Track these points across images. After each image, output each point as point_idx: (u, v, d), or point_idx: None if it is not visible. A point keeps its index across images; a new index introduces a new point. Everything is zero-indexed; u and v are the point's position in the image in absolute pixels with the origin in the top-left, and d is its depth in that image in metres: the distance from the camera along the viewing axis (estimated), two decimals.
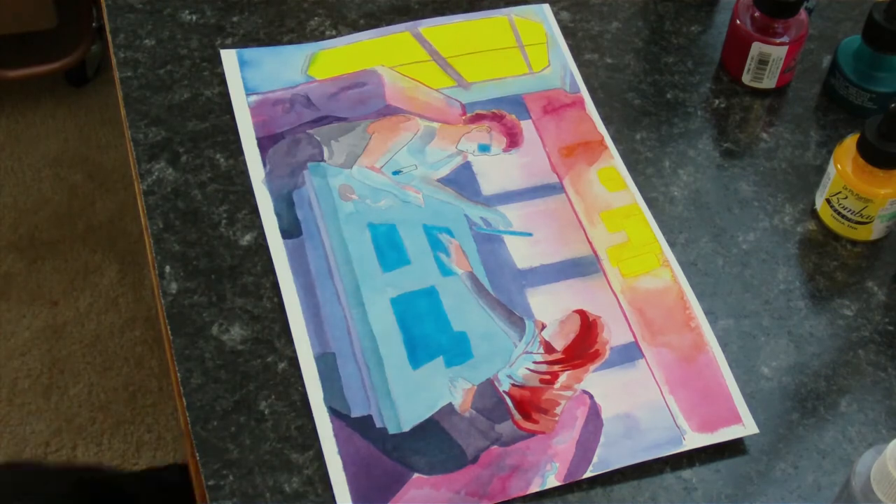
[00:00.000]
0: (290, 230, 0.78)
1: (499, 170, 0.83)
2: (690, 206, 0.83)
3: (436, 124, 0.85)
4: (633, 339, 0.74)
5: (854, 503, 0.61)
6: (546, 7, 0.94)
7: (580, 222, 0.81)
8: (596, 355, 0.73)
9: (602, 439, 0.69)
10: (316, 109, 0.85)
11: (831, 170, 0.79)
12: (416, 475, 0.67)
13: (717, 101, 0.89)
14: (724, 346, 0.75)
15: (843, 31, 0.94)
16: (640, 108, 0.88)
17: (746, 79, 0.89)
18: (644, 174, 0.84)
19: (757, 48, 0.86)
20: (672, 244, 0.80)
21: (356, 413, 0.70)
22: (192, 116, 0.84)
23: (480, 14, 0.93)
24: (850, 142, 0.79)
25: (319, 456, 0.68)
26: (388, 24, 0.92)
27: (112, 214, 1.82)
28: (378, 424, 0.69)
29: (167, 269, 0.76)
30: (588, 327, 0.75)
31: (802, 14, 0.86)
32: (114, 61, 0.88)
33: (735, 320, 0.77)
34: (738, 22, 0.87)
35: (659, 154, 0.86)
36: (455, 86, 0.88)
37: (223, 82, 0.86)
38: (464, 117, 0.86)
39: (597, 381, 0.72)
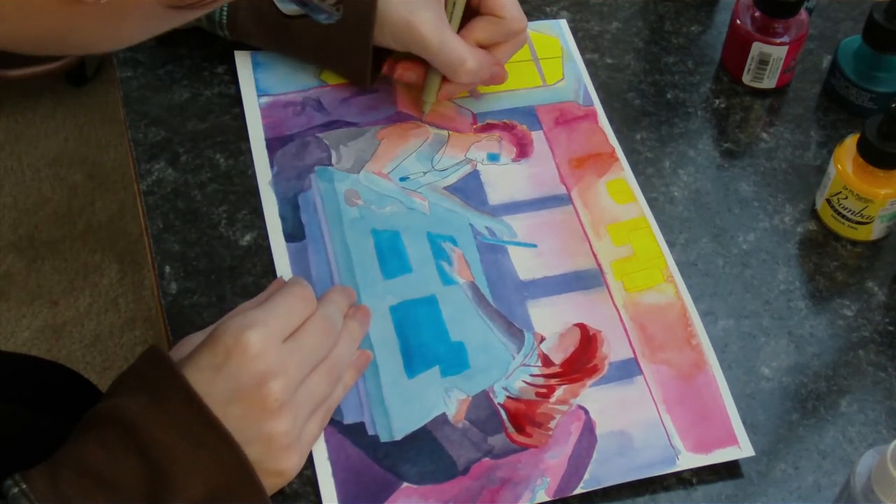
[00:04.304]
0: (294, 233, 0.78)
1: (507, 179, 0.82)
2: (690, 206, 0.83)
3: (446, 132, 0.85)
4: (632, 356, 0.74)
5: None
6: (563, 22, 0.93)
7: (586, 234, 0.80)
8: (594, 370, 0.73)
9: (595, 456, 0.69)
10: (327, 113, 0.84)
11: (831, 170, 0.79)
12: (405, 484, 0.67)
13: (717, 101, 0.89)
14: (724, 346, 0.75)
15: (843, 31, 0.94)
16: (640, 108, 0.88)
17: (746, 79, 0.89)
18: (644, 174, 0.84)
19: (757, 48, 0.86)
20: (672, 244, 0.80)
21: (349, 419, 0.69)
22: (192, 116, 0.84)
23: None
24: (851, 142, 0.79)
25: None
26: None
27: (112, 214, 1.82)
28: (370, 432, 0.69)
29: (167, 269, 0.76)
30: (588, 341, 0.74)
31: (802, 14, 0.86)
32: (114, 61, 0.88)
33: (735, 320, 0.76)
34: (738, 22, 0.87)
35: (659, 154, 0.86)
36: (467, 95, 0.87)
37: (223, 82, 0.86)
38: (474, 126, 0.85)
39: (593, 397, 0.71)
